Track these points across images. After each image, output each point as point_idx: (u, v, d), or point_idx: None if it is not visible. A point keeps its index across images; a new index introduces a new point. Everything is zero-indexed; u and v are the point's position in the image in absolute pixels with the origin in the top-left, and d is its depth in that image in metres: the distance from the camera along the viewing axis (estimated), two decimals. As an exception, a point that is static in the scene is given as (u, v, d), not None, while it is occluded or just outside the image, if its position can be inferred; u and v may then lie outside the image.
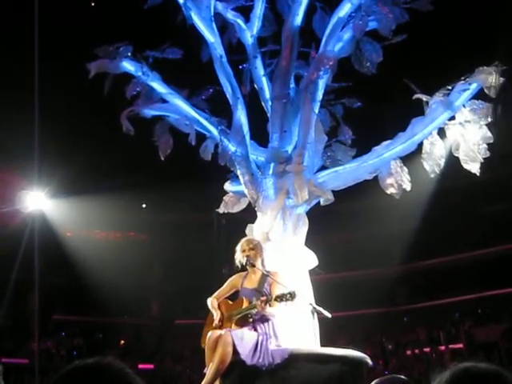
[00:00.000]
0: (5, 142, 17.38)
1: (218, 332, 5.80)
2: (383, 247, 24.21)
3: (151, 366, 23.48)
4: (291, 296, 5.70)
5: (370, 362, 6.31)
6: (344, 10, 7.39)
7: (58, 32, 16.10)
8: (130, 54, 7.80)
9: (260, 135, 7.89)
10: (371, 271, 25.46)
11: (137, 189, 22.52)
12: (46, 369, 18.99)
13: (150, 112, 7.87)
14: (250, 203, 7.58)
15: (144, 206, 27.89)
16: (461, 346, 22.48)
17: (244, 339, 5.67)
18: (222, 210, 8.06)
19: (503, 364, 19.35)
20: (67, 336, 23.91)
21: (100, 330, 25.31)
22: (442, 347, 22.64)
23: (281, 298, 5.75)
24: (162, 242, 26.05)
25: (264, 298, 5.78)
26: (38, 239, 14.45)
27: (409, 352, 23.08)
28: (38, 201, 16.13)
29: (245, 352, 5.60)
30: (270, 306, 5.83)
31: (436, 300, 25.32)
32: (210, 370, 5.63)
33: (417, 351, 22.91)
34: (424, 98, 7.03)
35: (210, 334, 5.82)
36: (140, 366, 22.09)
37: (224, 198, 8.04)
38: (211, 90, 8.09)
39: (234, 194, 7.94)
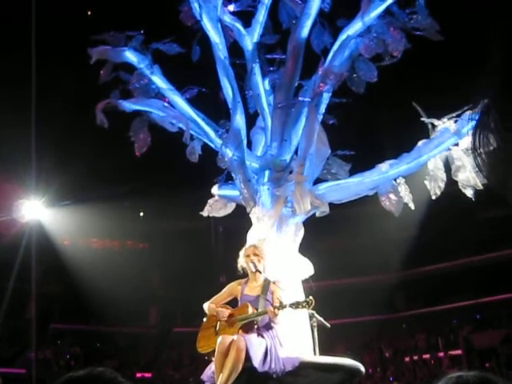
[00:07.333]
0: (1, 151, 17.30)
1: (229, 337, 5.74)
2: (381, 254, 24.15)
3: (149, 375, 23.38)
4: (308, 304, 5.66)
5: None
6: (354, 29, 7.41)
7: (54, 38, 15.99)
8: (137, 44, 7.72)
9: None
10: (369, 278, 25.40)
11: (134, 197, 22.45)
12: (44, 378, 18.89)
13: (130, 106, 7.75)
14: (243, 210, 7.54)
15: (142, 214, 27.84)
16: (460, 352, 22.39)
17: (256, 345, 5.64)
18: (205, 213, 8.00)
19: (502, 370, 19.30)
20: (65, 345, 23.78)
21: (98, 338, 25.19)
22: (441, 353, 22.56)
23: (296, 305, 5.71)
24: (159, 250, 25.97)
25: (277, 305, 5.74)
26: (36, 248, 14.40)
27: (407, 359, 22.99)
28: (35, 210, 16.08)
29: (257, 358, 5.56)
30: None
31: (434, 306, 25.26)
32: (222, 375, 5.57)
33: (415, 358, 22.82)
34: (435, 122, 7.14)
35: (220, 338, 5.77)
36: (138, 375, 22.00)
37: (209, 201, 7.99)
38: (195, 90, 8.02)
39: (221, 198, 7.89)
